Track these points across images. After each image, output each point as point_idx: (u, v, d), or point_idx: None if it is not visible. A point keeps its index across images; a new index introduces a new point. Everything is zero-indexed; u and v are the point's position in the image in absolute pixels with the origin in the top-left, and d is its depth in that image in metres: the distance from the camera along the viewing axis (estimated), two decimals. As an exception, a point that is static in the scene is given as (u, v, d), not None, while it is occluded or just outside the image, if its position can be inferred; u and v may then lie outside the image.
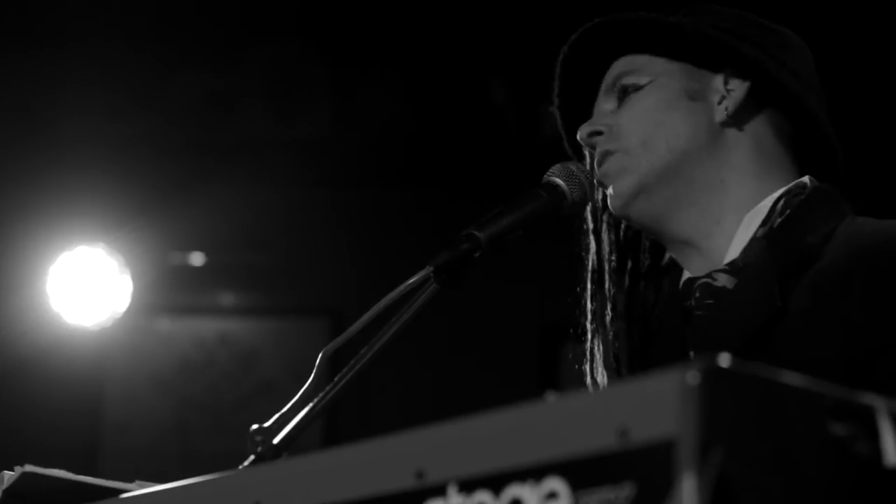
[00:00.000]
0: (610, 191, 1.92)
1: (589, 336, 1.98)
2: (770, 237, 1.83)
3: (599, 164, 1.93)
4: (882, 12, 4.42)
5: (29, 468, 1.62)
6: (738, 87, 1.91)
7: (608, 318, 1.96)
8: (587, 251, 2.02)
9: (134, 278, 5.40)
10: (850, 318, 1.70)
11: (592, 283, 2.00)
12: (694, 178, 1.88)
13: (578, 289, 2.02)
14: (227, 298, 5.93)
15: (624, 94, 1.94)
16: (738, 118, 1.91)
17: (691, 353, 1.86)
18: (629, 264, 2.01)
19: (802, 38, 2.01)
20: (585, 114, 2.01)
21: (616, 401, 1.00)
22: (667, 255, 2.01)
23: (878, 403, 1.04)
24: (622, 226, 2.02)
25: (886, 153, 4.65)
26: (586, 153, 2.01)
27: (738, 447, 0.95)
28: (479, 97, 5.24)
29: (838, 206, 1.86)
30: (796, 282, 1.77)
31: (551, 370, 5.56)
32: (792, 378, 1.00)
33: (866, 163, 2.05)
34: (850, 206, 1.88)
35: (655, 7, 2.04)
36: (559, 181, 1.90)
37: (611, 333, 1.96)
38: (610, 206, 1.94)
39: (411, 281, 1.70)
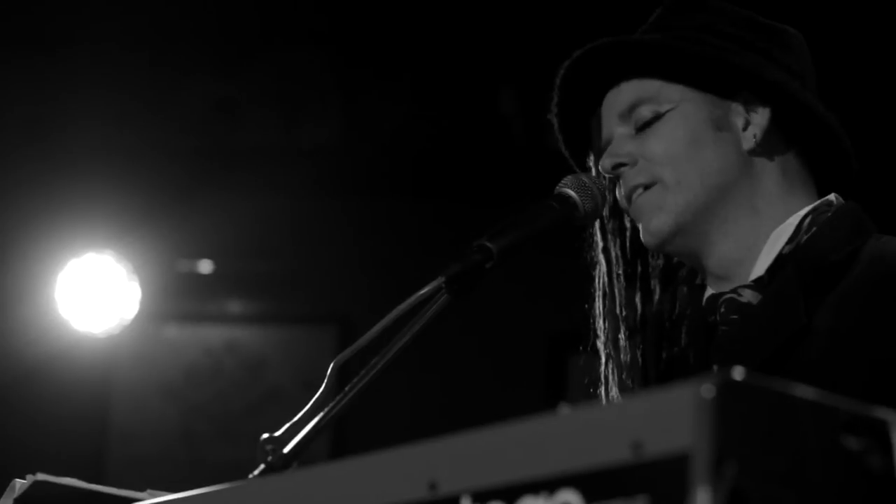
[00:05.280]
0: (644, 228, 1.91)
1: (602, 360, 1.97)
2: (796, 254, 1.83)
3: (629, 199, 1.92)
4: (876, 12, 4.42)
5: (41, 476, 1.62)
6: (761, 112, 1.90)
7: (622, 343, 1.96)
8: (595, 268, 2.01)
9: (142, 285, 5.41)
10: (873, 337, 1.70)
11: (604, 304, 1.99)
12: (728, 212, 1.88)
13: (586, 306, 2.01)
14: (234, 306, 5.93)
15: (643, 120, 1.91)
16: (764, 144, 1.90)
17: (714, 369, 1.86)
18: (639, 269, 2.00)
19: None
20: (584, 121, 2.00)
21: (630, 414, 1.00)
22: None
23: (892, 418, 1.04)
24: (627, 232, 2.01)
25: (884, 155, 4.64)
26: (590, 164, 2.00)
27: (752, 460, 0.95)
28: (489, 107, 5.24)
29: (863, 225, 1.86)
30: (821, 299, 1.77)
31: (559, 379, 5.55)
32: (806, 392, 1.01)
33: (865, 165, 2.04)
34: (873, 223, 1.88)
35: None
36: (571, 192, 1.89)
37: (624, 357, 1.95)
38: (644, 242, 1.92)
39: (423, 292, 1.70)
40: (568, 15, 4.43)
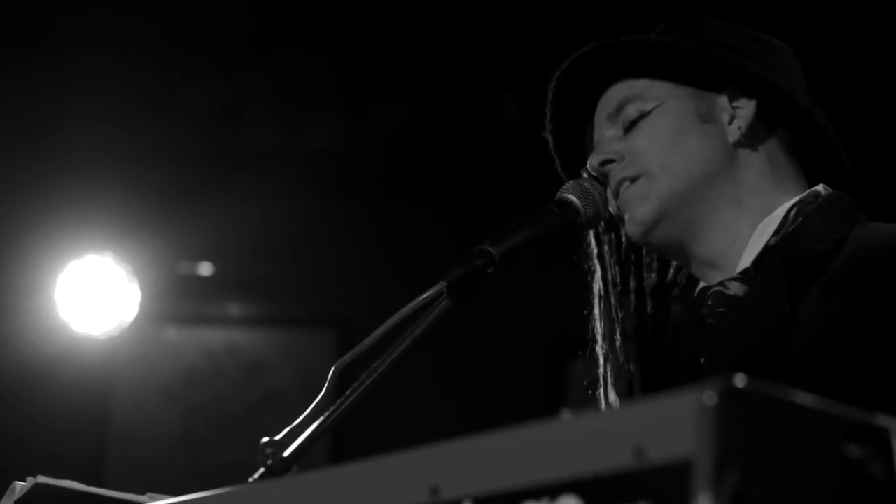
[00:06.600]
0: (630, 217, 1.91)
1: (600, 361, 1.98)
2: (782, 245, 1.84)
3: (616, 193, 1.93)
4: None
5: (41, 479, 1.62)
6: (746, 106, 1.92)
7: (618, 343, 1.97)
8: (592, 275, 2.02)
9: (142, 287, 5.41)
10: (853, 323, 1.70)
11: (599, 307, 2.00)
12: (712, 201, 1.89)
13: (586, 312, 2.02)
14: (234, 308, 5.94)
15: (630, 119, 1.93)
16: (749, 136, 1.91)
17: (702, 360, 1.87)
18: (633, 283, 2.01)
19: (788, 42, 2.02)
20: (579, 136, 2.02)
21: (632, 420, 1.00)
22: (671, 272, 2.02)
23: (894, 425, 1.04)
24: (624, 244, 2.02)
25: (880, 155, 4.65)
26: (584, 176, 2.01)
27: (753, 467, 0.96)
28: (490, 110, 5.25)
29: (851, 213, 1.87)
30: (808, 288, 1.77)
31: (559, 383, 5.56)
32: (808, 399, 1.01)
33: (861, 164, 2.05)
34: (863, 212, 1.88)
35: (659, 15, 2.04)
36: (573, 198, 1.90)
37: (621, 357, 1.96)
38: (629, 233, 1.93)
39: (424, 296, 1.70)
40: (569, 18, 4.43)
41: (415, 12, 4.76)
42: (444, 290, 1.71)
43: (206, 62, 5.14)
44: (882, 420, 1.04)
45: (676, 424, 0.96)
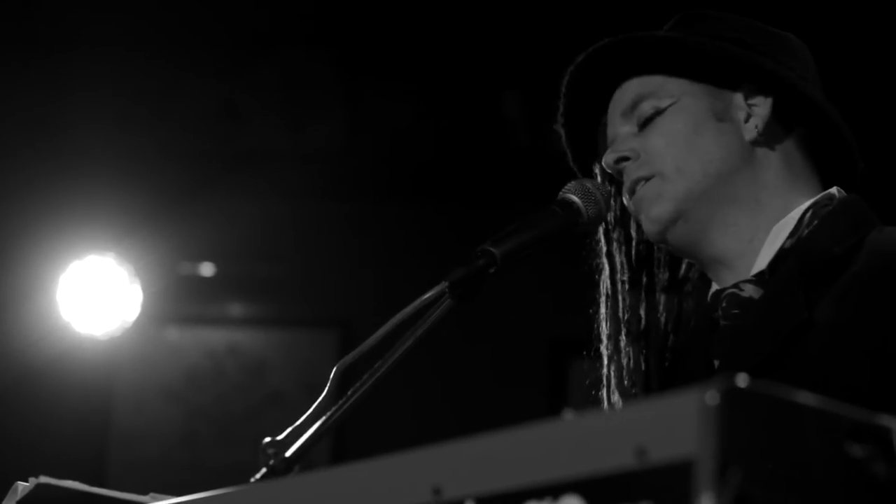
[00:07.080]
0: (645, 216, 1.91)
1: (605, 361, 1.98)
2: (797, 248, 1.84)
3: (631, 191, 1.92)
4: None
5: (44, 479, 1.62)
6: (762, 104, 1.91)
7: (623, 343, 1.96)
8: (600, 274, 2.02)
9: (144, 288, 5.41)
10: (872, 329, 1.70)
11: (606, 306, 2.00)
12: (729, 200, 1.88)
13: (591, 311, 2.02)
14: (236, 309, 5.94)
15: (645, 116, 1.92)
16: (766, 135, 1.91)
17: (716, 363, 1.87)
18: (644, 280, 2.01)
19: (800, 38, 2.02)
20: (591, 131, 2.02)
21: (635, 420, 1.00)
22: (683, 267, 2.01)
23: (896, 425, 1.05)
24: (633, 242, 2.01)
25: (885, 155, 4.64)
26: (596, 171, 2.01)
27: (756, 467, 0.95)
28: (492, 110, 5.24)
29: (866, 217, 1.86)
30: (823, 293, 1.77)
31: (560, 384, 5.56)
32: (810, 399, 1.00)
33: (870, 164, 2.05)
34: (875, 215, 1.88)
35: (663, 16, 2.04)
36: (575, 198, 1.90)
37: (626, 358, 1.96)
38: (646, 232, 1.93)
39: (426, 296, 1.70)
40: (571, 18, 4.43)
41: (416, 11, 4.76)
42: (446, 290, 1.71)
43: (207, 62, 5.15)
44: (884, 420, 1.04)
45: (679, 424, 0.96)
